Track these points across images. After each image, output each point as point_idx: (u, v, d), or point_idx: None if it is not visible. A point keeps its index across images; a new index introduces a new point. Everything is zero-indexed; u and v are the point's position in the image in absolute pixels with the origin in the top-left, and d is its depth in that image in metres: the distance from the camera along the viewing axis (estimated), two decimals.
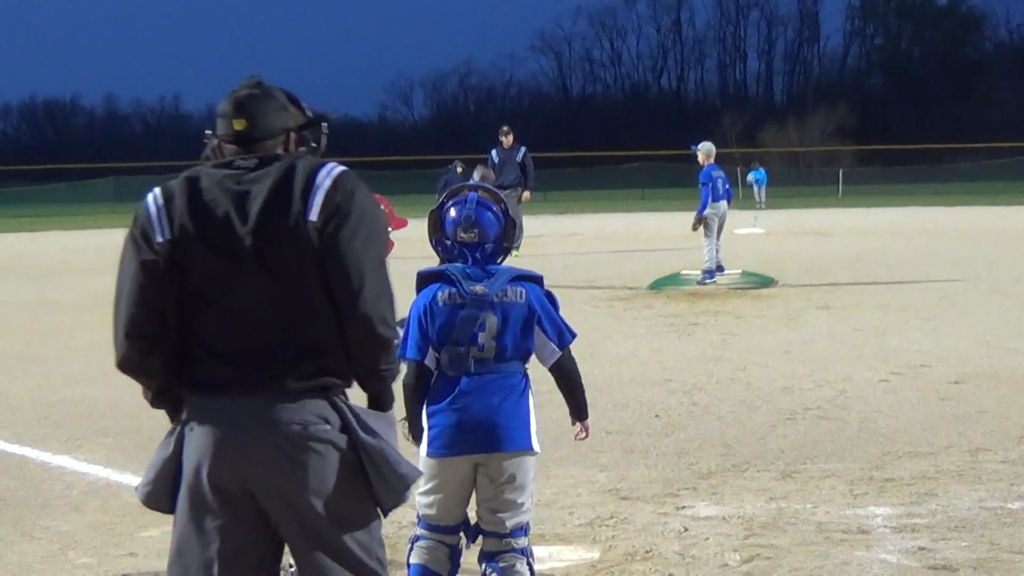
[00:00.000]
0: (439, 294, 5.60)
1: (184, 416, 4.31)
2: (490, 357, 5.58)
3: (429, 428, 5.64)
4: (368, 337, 4.26)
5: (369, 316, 4.23)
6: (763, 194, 63.49)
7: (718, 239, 22.34)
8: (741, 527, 7.48)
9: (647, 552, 7.04)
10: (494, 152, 29.79)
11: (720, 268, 22.45)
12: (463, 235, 5.66)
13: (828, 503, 7.98)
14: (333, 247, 4.19)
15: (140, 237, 4.30)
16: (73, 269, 30.01)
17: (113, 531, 7.77)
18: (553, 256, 30.12)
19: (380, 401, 4.45)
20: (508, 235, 5.78)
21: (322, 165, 4.30)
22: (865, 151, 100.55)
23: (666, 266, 24.69)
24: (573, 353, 5.82)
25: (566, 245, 34.91)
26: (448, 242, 5.78)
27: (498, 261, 5.77)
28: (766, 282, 22.13)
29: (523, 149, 29.64)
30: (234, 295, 4.22)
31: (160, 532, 7.58)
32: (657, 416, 10.77)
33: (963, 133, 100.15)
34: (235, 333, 4.24)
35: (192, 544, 4.30)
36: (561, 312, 5.80)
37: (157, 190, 4.35)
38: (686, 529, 7.46)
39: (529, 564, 5.73)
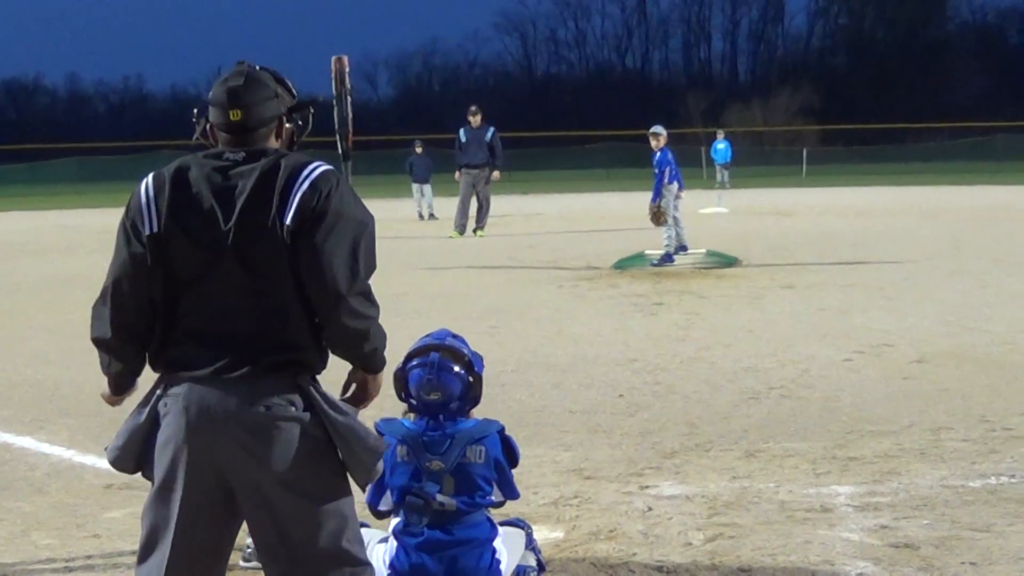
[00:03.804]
0: (399, 449, 5.71)
1: (159, 392, 4.44)
2: (451, 510, 5.66)
3: (389, 568, 5.76)
4: (344, 334, 4.40)
5: (342, 318, 4.35)
6: (727, 175, 60.93)
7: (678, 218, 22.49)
8: (705, 506, 7.50)
9: (611, 531, 7.05)
10: (462, 131, 29.87)
11: (684, 248, 22.52)
12: (426, 397, 5.72)
13: (791, 482, 8.01)
14: (306, 250, 4.29)
15: (131, 228, 4.43)
16: (34, 250, 29.88)
17: (76, 512, 7.74)
18: (518, 236, 30.13)
19: (371, 368, 4.61)
20: (473, 390, 5.84)
21: (304, 165, 4.40)
22: (829, 131, 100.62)
23: (630, 246, 24.68)
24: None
25: (531, 225, 34.89)
26: (413, 401, 5.82)
27: (466, 414, 5.83)
28: (730, 262, 22.18)
29: (492, 129, 29.70)
30: (212, 284, 4.35)
31: (123, 513, 7.58)
32: (621, 396, 10.78)
33: (926, 113, 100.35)
34: (211, 318, 4.38)
35: (158, 512, 4.42)
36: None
37: (149, 179, 4.47)
38: (650, 508, 7.47)
39: None
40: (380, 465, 4.55)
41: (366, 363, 4.55)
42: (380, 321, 4.50)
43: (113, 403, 4.77)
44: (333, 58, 6.57)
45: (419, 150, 40.16)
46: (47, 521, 7.58)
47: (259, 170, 4.35)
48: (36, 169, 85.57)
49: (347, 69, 6.45)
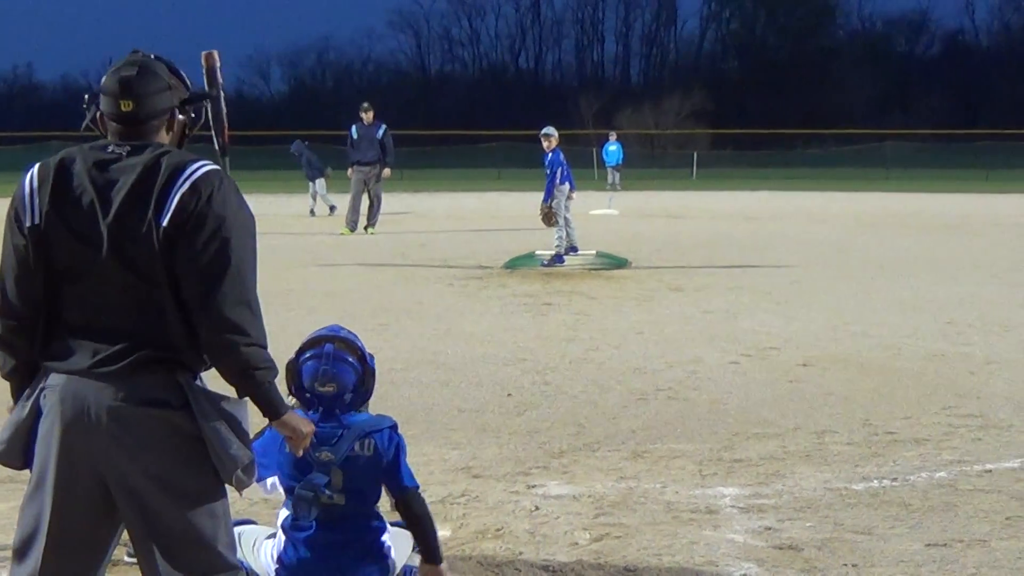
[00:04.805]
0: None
1: (41, 384, 4.38)
2: (340, 504, 5.63)
3: (277, 562, 5.73)
4: (215, 344, 4.28)
5: (216, 327, 4.25)
6: (617, 177, 60.88)
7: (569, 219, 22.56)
8: (591, 506, 7.53)
9: (498, 530, 7.07)
10: (354, 128, 29.78)
11: (574, 249, 22.57)
12: (320, 389, 5.67)
13: (677, 483, 8.06)
14: (183, 254, 4.22)
15: (14, 219, 4.37)
16: None
17: None
18: (408, 234, 30.06)
19: (267, 408, 4.46)
20: (367, 383, 5.79)
21: (186, 165, 4.31)
22: (719, 135, 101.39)
23: (521, 246, 24.69)
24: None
25: (422, 223, 34.81)
26: (307, 394, 5.75)
27: (358, 408, 5.78)
28: (620, 263, 22.26)
29: (384, 127, 29.64)
30: (92, 279, 4.29)
31: (7, 507, 7.47)
32: (510, 395, 10.80)
33: (815, 119, 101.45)
34: (90, 313, 4.32)
35: (33, 507, 4.39)
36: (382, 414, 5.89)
37: (35, 169, 4.41)
38: (537, 508, 7.50)
39: None
40: (243, 474, 4.42)
41: (245, 388, 4.37)
42: (272, 353, 4.38)
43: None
44: (203, 53, 6.48)
45: (296, 153, 39.51)
46: None
47: (140, 166, 4.27)
48: None
49: (218, 64, 6.37)
